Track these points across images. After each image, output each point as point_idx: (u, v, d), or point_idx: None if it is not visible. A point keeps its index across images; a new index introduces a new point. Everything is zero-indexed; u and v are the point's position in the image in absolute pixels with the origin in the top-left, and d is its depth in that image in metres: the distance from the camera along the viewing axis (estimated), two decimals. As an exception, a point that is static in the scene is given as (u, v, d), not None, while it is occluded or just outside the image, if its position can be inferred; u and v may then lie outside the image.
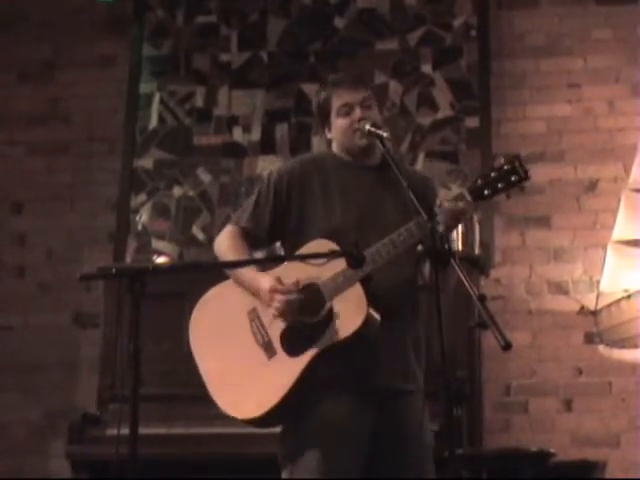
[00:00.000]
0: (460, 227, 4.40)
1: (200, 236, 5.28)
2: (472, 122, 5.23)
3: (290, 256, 2.92)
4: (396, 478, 2.81)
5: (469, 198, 2.76)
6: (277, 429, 2.87)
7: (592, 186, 5.11)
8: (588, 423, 4.84)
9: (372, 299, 2.75)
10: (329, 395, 2.77)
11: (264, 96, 5.43)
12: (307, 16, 5.50)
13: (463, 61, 5.32)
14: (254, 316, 2.86)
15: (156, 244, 5.29)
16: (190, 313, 2.97)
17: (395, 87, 5.33)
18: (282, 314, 2.79)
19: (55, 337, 5.21)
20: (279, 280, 2.81)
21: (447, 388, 2.54)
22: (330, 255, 2.70)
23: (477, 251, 4.69)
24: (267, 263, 2.96)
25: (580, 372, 4.91)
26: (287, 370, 2.76)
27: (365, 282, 2.76)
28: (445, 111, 5.28)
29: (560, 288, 5.01)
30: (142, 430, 2.46)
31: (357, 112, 2.95)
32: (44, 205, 5.43)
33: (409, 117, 5.28)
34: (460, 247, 4.46)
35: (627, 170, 4.95)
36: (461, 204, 2.76)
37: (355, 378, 2.79)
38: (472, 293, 2.51)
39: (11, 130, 5.58)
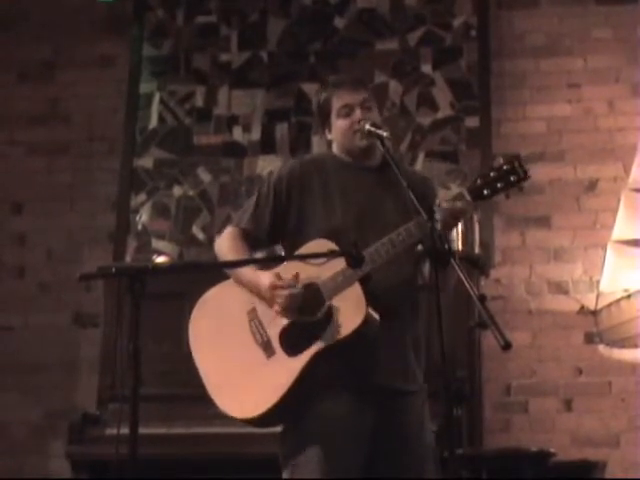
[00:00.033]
0: (460, 227, 4.41)
1: (200, 236, 5.28)
2: (472, 122, 5.23)
3: (290, 256, 2.92)
4: (396, 478, 2.81)
5: (468, 198, 2.77)
6: (277, 429, 2.87)
7: (592, 186, 5.11)
8: (588, 423, 4.84)
9: (371, 299, 2.75)
10: (329, 394, 2.77)
11: (264, 96, 5.43)
12: (307, 16, 5.50)
13: (463, 61, 5.32)
14: (253, 316, 2.86)
15: (156, 244, 5.29)
16: (190, 313, 2.97)
17: (395, 87, 5.33)
18: (285, 309, 2.79)
19: (55, 337, 5.21)
20: (278, 276, 2.81)
21: (447, 388, 2.54)
22: (329, 255, 2.71)
23: (477, 251, 4.69)
24: (267, 263, 2.96)
25: (580, 372, 4.91)
26: (286, 369, 2.76)
27: (364, 282, 2.76)
28: (445, 111, 5.28)
29: (560, 288, 5.01)
30: (142, 430, 2.46)
31: (357, 113, 2.95)
32: (44, 205, 5.43)
33: (409, 117, 5.28)
34: (460, 247, 4.46)
35: (627, 170, 4.95)
36: (460, 203, 2.76)
37: (355, 377, 2.79)
38: (472, 293, 2.51)
39: (11, 130, 5.58)
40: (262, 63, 5.47)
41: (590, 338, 4.90)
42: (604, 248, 4.82)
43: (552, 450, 4.09)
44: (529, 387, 4.92)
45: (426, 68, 5.34)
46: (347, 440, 2.76)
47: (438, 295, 2.57)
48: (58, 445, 4.77)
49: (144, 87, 5.51)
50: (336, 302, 2.77)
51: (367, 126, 2.91)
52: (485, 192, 2.76)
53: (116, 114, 5.49)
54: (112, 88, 5.53)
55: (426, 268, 2.84)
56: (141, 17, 5.59)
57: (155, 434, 3.94)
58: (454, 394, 3.95)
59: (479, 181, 2.77)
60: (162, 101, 5.49)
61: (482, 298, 2.49)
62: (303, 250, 2.84)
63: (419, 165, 5.18)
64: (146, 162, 5.40)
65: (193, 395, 3.81)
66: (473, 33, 5.33)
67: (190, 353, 2.92)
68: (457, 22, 5.37)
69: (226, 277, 2.98)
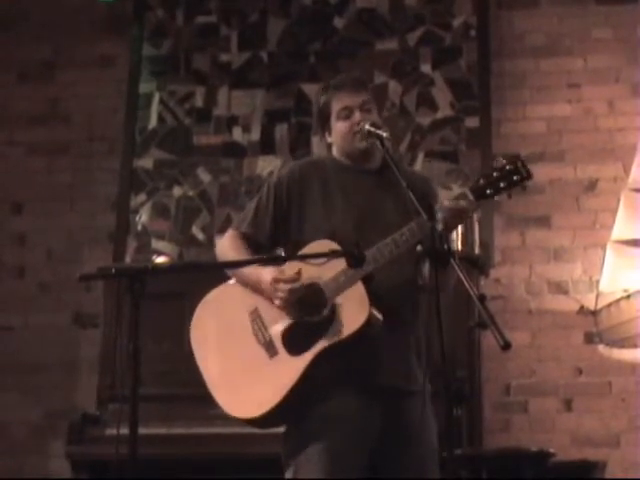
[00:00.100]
0: (460, 227, 4.40)
1: (200, 236, 5.28)
2: (472, 122, 5.23)
3: (291, 256, 2.93)
4: (397, 478, 2.81)
5: (471, 197, 2.77)
6: (278, 429, 2.87)
7: (592, 186, 5.11)
8: (588, 423, 4.84)
9: (374, 299, 2.76)
10: (332, 394, 2.77)
11: (264, 96, 5.43)
12: (307, 16, 5.50)
13: (463, 61, 5.32)
14: (255, 316, 2.86)
15: (156, 244, 5.29)
16: (190, 313, 2.97)
17: (395, 87, 5.33)
18: (286, 303, 2.79)
19: (55, 337, 5.21)
20: (281, 271, 2.81)
21: (447, 388, 2.54)
22: (330, 255, 2.71)
23: (477, 251, 4.69)
24: (267, 263, 2.96)
25: (580, 372, 4.91)
26: (289, 369, 2.76)
27: (367, 281, 2.77)
28: (445, 111, 5.28)
29: (560, 288, 5.01)
30: (142, 430, 2.46)
31: (357, 115, 2.95)
32: (44, 205, 5.44)
33: (409, 117, 5.28)
34: (460, 247, 4.46)
35: (627, 170, 4.95)
36: (463, 203, 2.76)
37: (357, 377, 2.79)
38: (472, 293, 2.51)
39: (11, 130, 5.58)
40: (262, 63, 5.47)
41: (590, 338, 4.90)
42: (604, 248, 4.82)
43: (552, 450, 4.09)
44: (529, 387, 4.92)
45: (426, 68, 5.34)
46: (350, 440, 2.75)
47: (438, 295, 2.57)
48: (58, 445, 4.77)
49: (144, 87, 5.51)
50: (339, 302, 2.77)
51: (367, 126, 2.91)
52: (488, 192, 2.76)
53: (116, 114, 5.49)
54: (112, 88, 5.53)
55: (426, 268, 2.84)
56: (141, 17, 5.60)
57: (155, 434, 3.94)
58: (454, 394, 3.95)
59: (482, 181, 2.77)
60: (162, 101, 5.49)
61: (482, 298, 2.49)
62: (306, 250, 2.84)
63: (419, 165, 5.19)
64: (146, 162, 5.40)
65: (193, 395, 3.82)
66: (473, 33, 5.33)
67: (190, 353, 2.92)
68: (457, 22, 5.37)
69: (226, 277, 2.98)
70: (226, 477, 4.05)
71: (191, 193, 5.35)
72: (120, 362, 2.56)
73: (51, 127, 5.54)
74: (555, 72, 5.26)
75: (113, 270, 2.65)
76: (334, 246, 2.76)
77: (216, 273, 3.05)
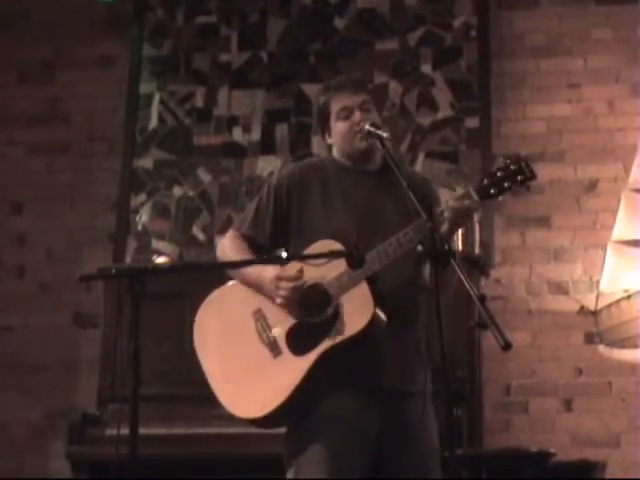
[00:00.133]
0: (460, 227, 4.40)
1: (200, 236, 5.28)
2: (472, 122, 5.23)
3: (291, 256, 2.92)
4: (397, 478, 2.81)
5: (476, 197, 2.76)
6: (278, 429, 2.87)
7: (592, 186, 5.11)
8: (588, 423, 4.84)
9: (378, 299, 2.76)
10: (334, 394, 2.77)
11: (264, 96, 5.43)
12: (307, 16, 5.50)
13: (463, 61, 5.32)
14: (259, 316, 2.86)
15: (156, 244, 5.29)
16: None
17: (395, 87, 5.33)
18: (288, 302, 2.79)
19: (55, 337, 5.21)
20: (283, 270, 2.81)
21: (447, 388, 2.54)
22: (330, 255, 2.71)
23: (477, 251, 4.69)
24: (267, 263, 2.96)
25: (580, 372, 4.91)
26: (293, 369, 2.76)
27: (371, 282, 2.77)
28: (445, 111, 5.28)
29: (560, 288, 5.01)
30: (142, 430, 2.46)
31: (356, 115, 2.95)
32: (44, 205, 5.44)
33: (409, 117, 5.28)
34: (460, 247, 4.46)
35: (627, 170, 4.95)
36: (468, 202, 2.76)
37: (358, 378, 2.79)
38: (472, 293, 2.51)
39: (11, 130, 5.58)
40: (262, 63, 5.47)
41: (590, 338, 4.90)
42: (604, 248, 4.82)
43: (552, 450, 4.09)
44: (529, 387, 4.92)
45: (426, 68, 5.34)
46: (352, 440, 2.75)
47: (438, 295, 2.57)
48: (58, 445, 4.78)
49: (144, 87, 5.51)
50: (343, 301, 2.77)
51: (367, 126, 2.90)
52: (492, 191, 2.76)
53: (116, 114, 5.49)
54: (112, 88, 5.53)
55: (427, 269, 2.84)
56: (141, 17, 5.59)
57: (155, 434, 3.94)
58: (454, 394, 3.95)
59: (486, 180, 2.77)
60: (162, 101, 5.49)
61: (482, 298, 2.49)
62: (309, 251, 2.83)
63: (419, 165, 5.19)
64: (146, 162, 5.40)
65: (193, 395, 3.84)
66: (473, 33, 5.33)
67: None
68: (457, 22, 5.37)
69: (227, 278, 2.98)
70: (226, 477, 4.05)
71: (191, 193, 5.35)
72: (120, 362, 2.55)
73: (51, 127, 5.54)
74: (555, 72, 5.26)
75: (113, 270, 2.65)
76: (338, 246, 2.76)
77: (216, 273, 3.04)
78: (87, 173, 5.46)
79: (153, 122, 5.46)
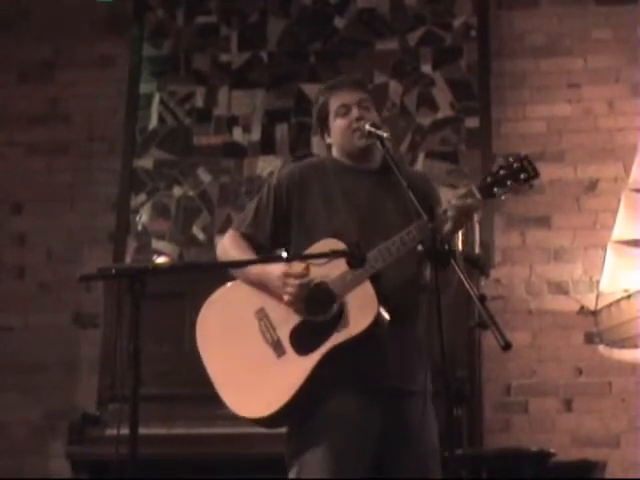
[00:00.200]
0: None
1: (200, 236, 5.28)
2: (472, 122, 5.23)
3: (292, 256, 2.93)
4: (397, 478, 2.81)
5: (478, 196, 2.77)
6: (279, 429, 2.86)
7: (592, 186, 5.11)
8: (588, 423, 4.84)
9: (382, 298, 2.76)
10: (338, 394, 2.77)
11: (264, 96, 5.43)
12: (307, 16, 5.50)
13: (463, 61, 5.32)
14: (262, 315, 2.86)
15: (156, 244, 5.29)
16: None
17: (395, 87, 5.33)
18: (295, 299, 2.79)
19: (55, 337, 5.21)
20: (290, 267, 2.81)
21: (447, 388, 2.54)
22: (331, 255, 2.70)
23: (477, 251, 4.69)
24: (268, 263, 2.96)
25: (580, 372, 4.91)
26: (297, 369, 2.75)
27: (374, 280, 2.77)
28: (445, 111, 5.28)
29: (560, 288, 5.01)
30: (142, 430, 2.46)
31: (355, 112, 2.96)
32: (44, 205, 5.44)
33: (409, 117, 5.28)
34: (460, 247, 4.45)
35: (627, 170, 4.95)
36: (471, 200, 2.76)
37: (358, 377, 2.79)
38: (472, 293, 2.51)
39: (11, 130, 5.58)
40: (262, 63, 5.47)
41: (590, 338, 4.90)
42: (604, 248, 4.82)
43: (552, 450, 4.09)
44: (529, 387, 4.92)
45: (426, 68, 5.34)
46: (354, 440, 2.75)
47: (438, 295, 2.58)
48: (58, 445, 4.78)
49: (144, 87, 5.51)
50: (346, 300, 2.77)
51: (367, 126, 2.91)
52: (495, 190, 2.77)
53: (116, 114, 5.49)
54: (112, 88, 5.53)
55: (428, 269, 2.84)
56: (141, 17, 5.60)
57: (155, 434, 3.94)
58: (454, 394, 3.95)
59: (489, 179, 2.77)
60: (162, 101, 5.49)
61: (482, 298, 2.49)
62: (311, 250, 2.83)
63: (419, 165, 5.19)
64: (146, 162, 5.40)
65: (193, 395, 3.84)
66: (473, 33, 5.33)
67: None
68: (457, 22, 5.37)
69: (227, 278, 2.98)
70: (227, 477, 4.05)
71: (191, 193, 5.35)
72: (120, 362, 2.55)
73: (51, 127, 5.54)
74: (555, 72, 5.26)
75: (113, 270, 2.65)
76: (340, 245, 2.76)
77: (216, 273, 3.04)
78: (87, 173, 5.46)
79: (153, 122, 5.46)
